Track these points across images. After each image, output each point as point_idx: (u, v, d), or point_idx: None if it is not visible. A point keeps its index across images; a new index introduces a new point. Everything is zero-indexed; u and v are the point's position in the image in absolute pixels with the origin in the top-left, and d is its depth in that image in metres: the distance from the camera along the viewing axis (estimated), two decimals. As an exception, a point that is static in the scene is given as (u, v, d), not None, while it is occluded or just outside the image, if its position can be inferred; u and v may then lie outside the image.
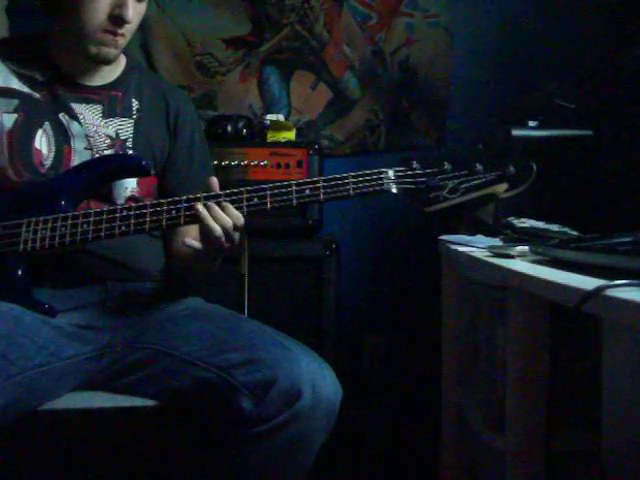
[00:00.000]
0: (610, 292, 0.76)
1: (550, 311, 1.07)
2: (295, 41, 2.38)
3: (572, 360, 1.12)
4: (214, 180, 1.19)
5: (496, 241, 1.42)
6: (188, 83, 2.35)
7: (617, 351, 0.77)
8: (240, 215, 1.16)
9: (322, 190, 1.16)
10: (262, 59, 2.38)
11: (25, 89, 1.30)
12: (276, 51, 2.38)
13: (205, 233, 1.15)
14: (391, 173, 1.17)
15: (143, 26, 2.27)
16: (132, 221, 1.18)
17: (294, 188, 1.16)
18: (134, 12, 1.25)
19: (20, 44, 1.36)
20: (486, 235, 1.53)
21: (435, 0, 2.37)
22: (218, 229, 1.14)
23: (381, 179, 1.16)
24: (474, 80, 2.32)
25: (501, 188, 1.15)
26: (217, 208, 1.15)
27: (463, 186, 1.15)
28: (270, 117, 2.15)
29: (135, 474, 1.33)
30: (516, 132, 1.58)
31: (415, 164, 1.17)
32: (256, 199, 1.16)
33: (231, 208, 1.15)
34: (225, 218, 1.14)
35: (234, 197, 1.16)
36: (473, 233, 1.58)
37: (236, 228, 1.16)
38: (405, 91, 2.38)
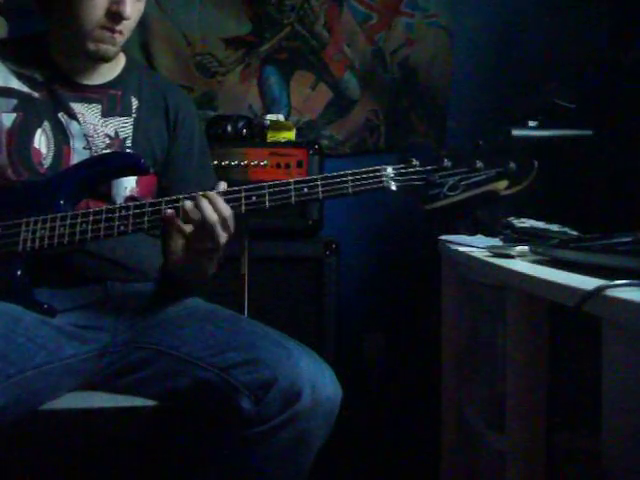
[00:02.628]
0: (610, 292, 0.76)
1: (550, 311, 1.07)
2: (295, 41, 2.38)
3: (572, 360, 1.11)
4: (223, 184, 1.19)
5: (496, 241, 1.42)
6: (188, 83, 2.35)
7: (617, 351, 0.77)
8: (227, 207, 1.14)
9: (321, 188, 1.16)
10: (262, 59, 2.38)
11: (24, 89, 1.30)
12: (276, 51, 2.38)
13: (195, 225, 1.15)
14: (390, 170, 1.16)
15: (143, 26, 2.28)
16: (131, 220, 1.18)
17: (293, 186, 1.16)
18: (132, 9, 1.24)
19: (19, 44, 1.36)
20: (486, 235, 1.53)
21: (435, 0, 2.37)
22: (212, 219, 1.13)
23: (380, 176, 1.16)
24: (474, 80, 2.33)
25: (502, 185, 1.15)
26: (204, 201, 1.14)
27: (463, 183, 1.14)
28: (270, 117, 2.15)
29: (135, 474, 1.33)
30: (516, 132, 1.58)
31: (414, 161, 1.16)
32: (254, 197, 1.16)
33: (219, 201, 1.14)
34: (212, 210, 1.13)
35: (232, 196, 1.16)
36: (473, 233, 1.58)
37: (224, 220, 1.14)
38: (405, 91, 2.38)
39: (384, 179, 1.16)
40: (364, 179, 1.15)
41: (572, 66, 2.01)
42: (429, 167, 1.16)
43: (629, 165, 1.57)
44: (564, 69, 2.06)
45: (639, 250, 0.90)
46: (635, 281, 0.77)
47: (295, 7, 2.36)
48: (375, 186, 1.16)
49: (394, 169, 1.16)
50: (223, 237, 1.16)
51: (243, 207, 1.16)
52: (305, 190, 1.16)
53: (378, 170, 1.16)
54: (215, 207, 1.14)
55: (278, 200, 1.16)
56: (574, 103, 1.70)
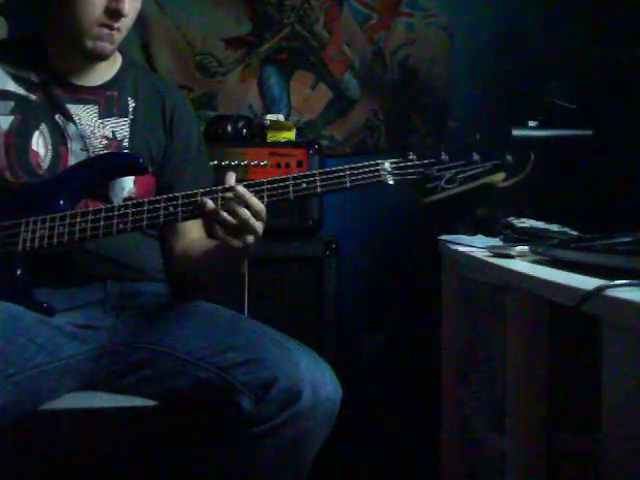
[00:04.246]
0: (610, 292, 0.76)
1: (550, 311, 1.07)
2: (295, 41, 2.38)
3: (572, 360, 1.12)
4: (232, 175, 1.18)
5: (496, 241, 1.42)
6: (188, 83, 2.35)
7: (617, 351, 0.77)
8: (259, 202, 1.13)
9: (319, 182, 1.16)
10: (262, 59, 2.38)
11: (21, 91, 1.30)
12: (276, 51, 2.38)
13: (221, 223, 1.13)
14: (387, 164, 1.17)
15: (143, 26, 2.28)
16: (130, 218, 1.18)
17: (291, 182, 1.16)
18: (130, 6, 1.24)
19: (15, 46, 1.36)
20: (486, 235, 1.53)
21: (435, 0, 2.37)
22: (231, 219, 1.12)
23: (377, 171, 1.16)
24: (474, 80, 2.32)
25: (499, 177, 1.15)
26: (230, 196, 1.13)
27: (460, 176, 1.15)
28: (270, 117, 2.15)
29: (135, 474, 1.33)
30: (516, 132, 1.58)
31: (412, 155, 1.17)
32: (253, 194, 1.16)
33: (250, 197, 1.13)
34: (242, 208, 1.12)
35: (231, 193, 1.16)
36: (473, 233, 1.58)
37: (256, 216, 1.13)
38: (405, 91, 2.38)
39: (382, 173, 1.16)
40: (362, 173, 1.16)
41: (572, 66, 2.01)
42: (426, 161, 1.16)
43: (629, 165, 1.57)
44: (564, 69, 2.06)
45: (639, 250, 0.90)
46: (635, 281, 0.77)
47: (295, 7, 2.36)
48: (373, 180, 1.16)
49: (391, 163, 1.17)
50: (259, 227, 1.15)
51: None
52: (304, 185, 1.16)
53: (376, 164, 1.16)
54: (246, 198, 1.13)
55: (277, 195, 1.16)
56: (574, 103, 1.70)
